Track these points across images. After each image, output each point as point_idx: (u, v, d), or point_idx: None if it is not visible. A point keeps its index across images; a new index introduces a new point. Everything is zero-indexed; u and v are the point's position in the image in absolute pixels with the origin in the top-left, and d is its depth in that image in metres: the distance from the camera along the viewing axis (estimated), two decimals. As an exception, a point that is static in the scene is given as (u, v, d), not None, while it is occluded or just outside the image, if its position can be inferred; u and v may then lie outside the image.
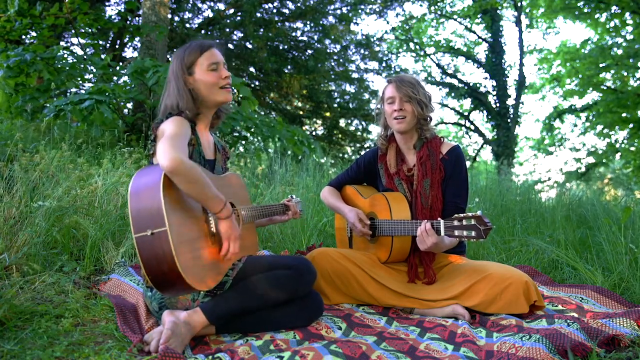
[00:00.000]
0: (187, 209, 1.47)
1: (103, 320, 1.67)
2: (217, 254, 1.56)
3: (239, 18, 11.13)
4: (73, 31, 7.19)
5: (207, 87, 1.71)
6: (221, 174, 1.83)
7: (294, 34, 11.90)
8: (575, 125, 17.27)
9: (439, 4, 16.76)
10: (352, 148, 13.29)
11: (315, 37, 12.03)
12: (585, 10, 13.98)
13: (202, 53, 1.72)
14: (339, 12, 12.10)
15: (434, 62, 18.59)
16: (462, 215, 1.76)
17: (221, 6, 11.44)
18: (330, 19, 12.08)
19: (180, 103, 1.69)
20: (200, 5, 11.52)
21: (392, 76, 2.19)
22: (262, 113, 11.75)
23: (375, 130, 13.13)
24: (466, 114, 18.32)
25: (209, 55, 1.72)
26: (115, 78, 5.55)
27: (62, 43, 8.80)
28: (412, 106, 2.07)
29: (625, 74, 14.17)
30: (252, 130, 6.13)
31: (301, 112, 13.03)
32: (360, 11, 12.42)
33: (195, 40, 1.80)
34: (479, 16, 16.47)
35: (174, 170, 1.36)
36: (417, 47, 18.22)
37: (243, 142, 6.92)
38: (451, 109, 18.65)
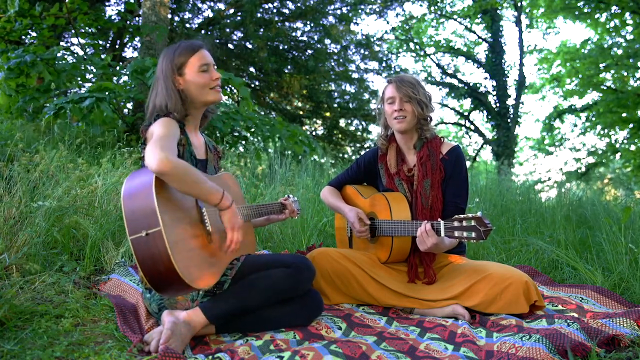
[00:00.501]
0: (181, 208, 1.47)
1: (103, 320, 1.67)
2: (213, 252, 1.56)
3: (239, 18, 11.13)
4: (73, 31, 7.19)
5: (198, 88, 1.71)
6: (214, 173, 1.84)
7: (294, 34, 11.91)
8: (575, 125, 17.28)
9: (439, 4, 16.76)
10: (352, 148, 13.29)
11: (316, 37, 12.03)
12: (585, 10, 13.99)
13: (193, 54, 1.72)
14: (339, 12, 12.10)
15: (434, 62, 18.60)
16: (462, 216, 1.76)
17: (221, 6, 11.45)
18: (330, 19, 12.08)
19: (169, 104, 1.68)
20: (200, 5, 11.52)
21: (392, 76, 2.19)
22: (262, 113, 11.75)
23: (375, 130, 13.14)
24: (466, 114, 18.32)
25: (200, 56, 1.72)
26: (115, 78, 5.55)
27: (62, 43, 8.80)
28: (412, 106, 2.07)
29: (625, 74, 14.17)
30: (252, 130, 6.13)
31: (301, 112, 13.04)
32: (360, 11, 12.42)
33: (185, 40, 1.80)
34: (479, 16, 16.47)
35: (162, 171, 1.36)
36: (417, 47, 18.23)
37: (243, 142, 6.92)
38: (451, 109, 18.66)
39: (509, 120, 15.81)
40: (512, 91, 16.37)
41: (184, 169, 1.41)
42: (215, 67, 1.79)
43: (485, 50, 16.95)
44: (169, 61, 1.71)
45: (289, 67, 11.77)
